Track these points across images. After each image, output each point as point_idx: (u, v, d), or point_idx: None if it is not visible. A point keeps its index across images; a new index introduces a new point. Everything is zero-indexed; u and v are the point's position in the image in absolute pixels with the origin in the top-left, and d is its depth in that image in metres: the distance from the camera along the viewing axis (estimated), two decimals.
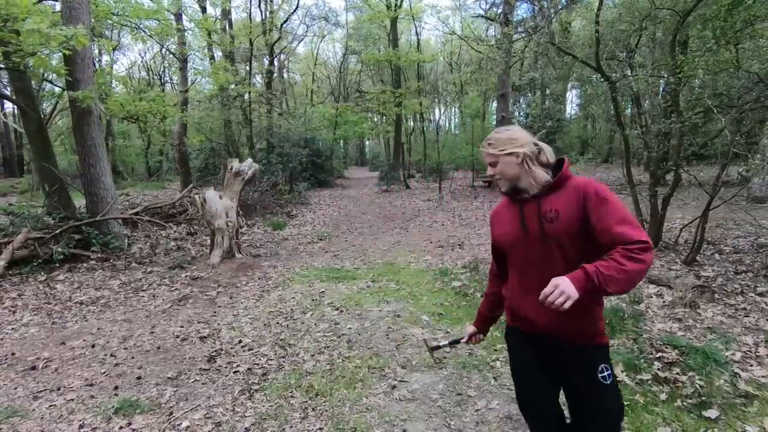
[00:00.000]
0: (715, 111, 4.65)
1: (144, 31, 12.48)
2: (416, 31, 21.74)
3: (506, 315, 1.76)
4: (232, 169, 6.88)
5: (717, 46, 4.91)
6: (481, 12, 19.41)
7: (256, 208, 10.89)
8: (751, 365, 2.83)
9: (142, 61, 26.29)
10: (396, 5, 18.54)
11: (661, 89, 8.44)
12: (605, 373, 1.50)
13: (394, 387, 2.96)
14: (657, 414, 2.45)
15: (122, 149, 24.20)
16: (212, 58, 17.15)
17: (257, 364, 3.37)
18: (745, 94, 4.94)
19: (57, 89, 11.63)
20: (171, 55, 19.17)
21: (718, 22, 4.72)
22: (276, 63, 22.98)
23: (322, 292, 5.13)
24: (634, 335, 3.31)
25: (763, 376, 2.69)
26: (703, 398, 2.52)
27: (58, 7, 7.64)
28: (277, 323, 4.22)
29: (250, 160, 7.47)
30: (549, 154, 1.60)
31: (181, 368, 3.37)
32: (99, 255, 6.61)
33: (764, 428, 2.27)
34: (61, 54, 6.10)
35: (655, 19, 6.32)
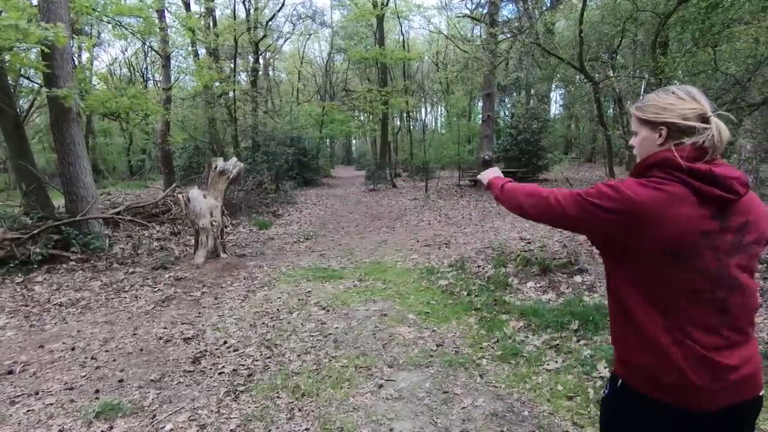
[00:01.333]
0: None
1: (125, 28, 12.20)
2: (402, 30, 21.76)
3: None
4: (216, 167, 6.79)
5: (696, 47, 5.03)
6: (467, 12, 19.54)
7: (242, 208, 10.77)
8: None
9: (123, 58, 25.76)
10: (382, 3, 18.50)
11: (642, 90, 8.62)
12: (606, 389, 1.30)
13: (381, 386, 2.96)
14: None
15: (103, 147, 23.70)
16: (196, 54, 16.90)
17: (243, 365, 3.34)
18: (722, 95, 5.07)
19: (35, 85, 11.26)
20: (154, 52, 18.82)
21: (697, 24, 4.84)
22: (261, 61, 22.74)
23: (309, 291, 5.11)
24: None
25: None
26: None
27: (35, 1, 7.42)
28: (263, 323, 4.18)
29: (234, 158, 7.38)
30: (712, 139, 1.05)
31: (165, 370, 3.32)
32: (79, 256, 6.45)
33: None
34: (38, 49, 5.92)
35: (636, 21, 6.44)
